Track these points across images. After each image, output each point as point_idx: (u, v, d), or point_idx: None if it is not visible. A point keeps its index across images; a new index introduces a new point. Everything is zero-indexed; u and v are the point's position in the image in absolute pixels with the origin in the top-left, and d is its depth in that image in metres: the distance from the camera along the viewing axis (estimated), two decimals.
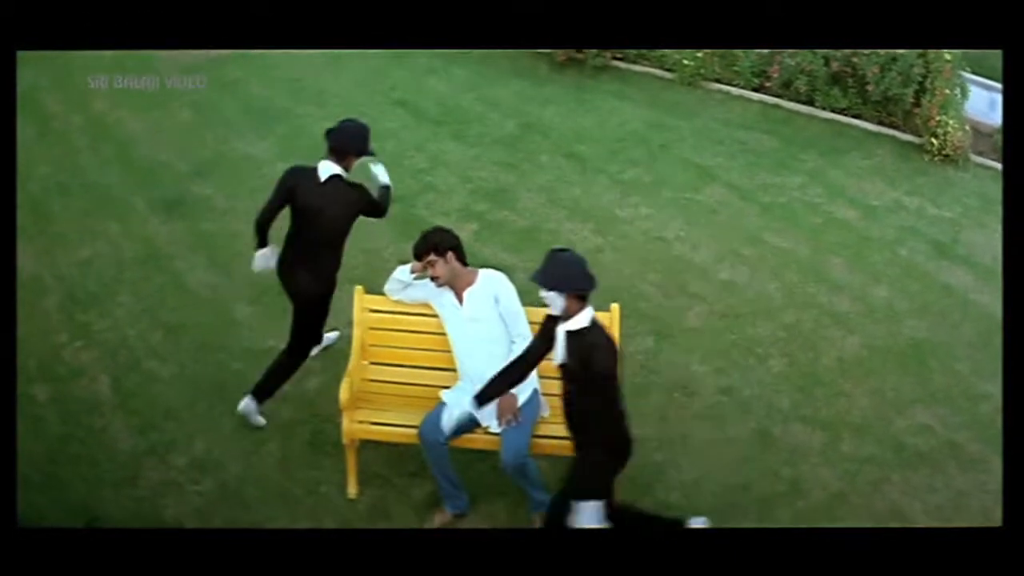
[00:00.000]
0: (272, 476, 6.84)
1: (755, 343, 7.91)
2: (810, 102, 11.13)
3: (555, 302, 5.64)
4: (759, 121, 10.94)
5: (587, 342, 5.62)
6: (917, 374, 7.71)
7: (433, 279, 6.43)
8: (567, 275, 5.63)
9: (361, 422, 6.50)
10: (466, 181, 9.75)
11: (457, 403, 6.27)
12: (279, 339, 7.72)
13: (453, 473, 6.41)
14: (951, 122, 10.27)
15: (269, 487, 6.77)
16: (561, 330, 5.73)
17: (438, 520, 6.54)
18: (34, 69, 10.89)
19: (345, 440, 6.52)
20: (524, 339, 6.39)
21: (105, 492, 6.70)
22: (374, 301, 6.76)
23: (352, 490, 6.70)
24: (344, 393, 6.39)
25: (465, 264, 6.51)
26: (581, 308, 5.67)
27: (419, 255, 6.42)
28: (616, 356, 5.66)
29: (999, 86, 10.61)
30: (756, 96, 11.34)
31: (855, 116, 10.98)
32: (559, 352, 5.79)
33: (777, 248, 8.96)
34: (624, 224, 9.22)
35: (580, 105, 11.06)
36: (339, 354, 7.32)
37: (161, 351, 7.81)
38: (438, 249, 6.37)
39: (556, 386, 6.55)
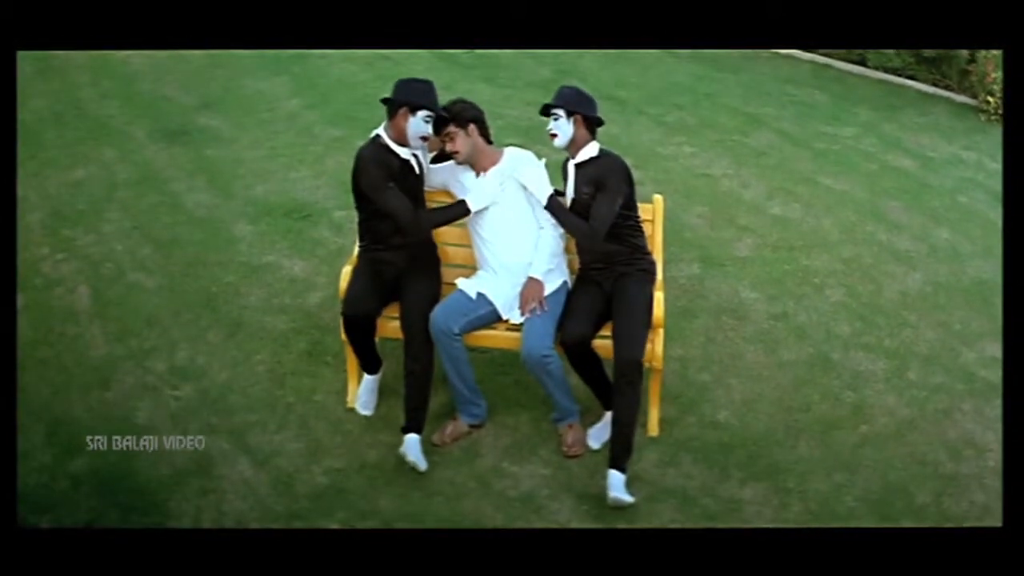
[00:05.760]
0: (261, 384, 6.00)
1: (811, 273, 7.05)
2: (862, 62, 10.45)
3: (563, 130, 5.32)
4: (809, 78, 10.33)
5: (600, 166, 5.29)
6: (984, 311, 6.82)
7: (452, 155, 5.64)
8: (578, 99, 5.35)
9: None
10: (496, 117, 8.80)
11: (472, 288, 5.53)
12: (279, 255, 7.03)
13: (470, 373, 5.55)
14: None
15: (256, 395, 5.93)
16: (570, 167, 5.36)
17: (450, 431, 5.64)
18: None
19: (345, 336, 5.68)
20: (553, 226, 5.59)
21: (72, 395, 5.89)
22: None
23: (352, 398, 5.86)
24: (344, 281, 5.62)
25: (490, 142, 5.72)
26: (590, 140, 5.37)
27: (437, 128, 5.62)
28: (630, 178, 5.41)
29: None
30: (807, 55, 10.65)
31: (908, 77, 10.27)
32: (569, 190, 5.41)
33: (832, 189, 8.13)
34: (667, 160, 8.42)
35: (621, 55, 10.43)
36: None
37: (149, 264, 7.02)
38: (458, 120, 5.57)
39: None
